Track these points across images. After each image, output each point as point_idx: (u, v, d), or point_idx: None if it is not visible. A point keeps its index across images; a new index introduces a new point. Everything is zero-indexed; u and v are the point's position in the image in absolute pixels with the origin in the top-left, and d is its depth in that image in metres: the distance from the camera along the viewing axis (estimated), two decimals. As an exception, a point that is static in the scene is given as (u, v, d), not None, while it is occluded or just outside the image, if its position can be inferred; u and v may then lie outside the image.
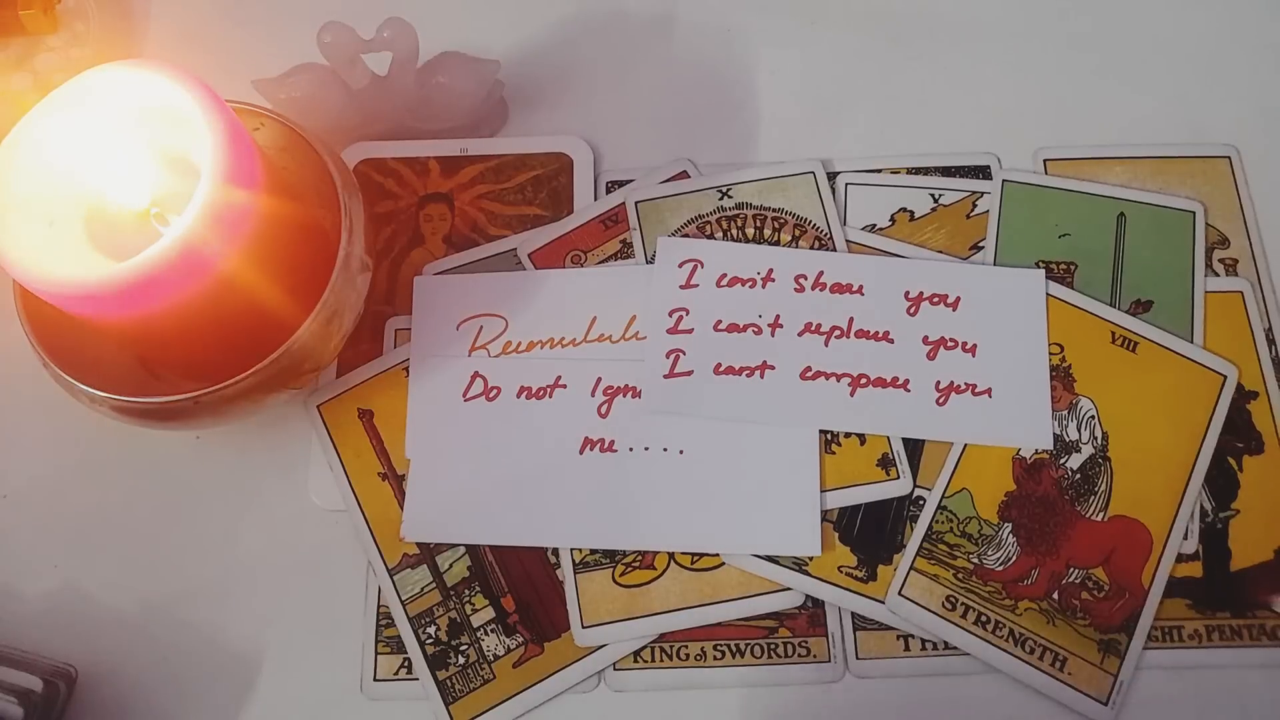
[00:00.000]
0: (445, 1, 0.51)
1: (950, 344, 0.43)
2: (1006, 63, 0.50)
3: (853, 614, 0.40)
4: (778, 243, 0.45)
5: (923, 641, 0.40)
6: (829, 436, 0.42)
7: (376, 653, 0.41)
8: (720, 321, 0.44)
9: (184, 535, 0.43)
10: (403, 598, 0.41)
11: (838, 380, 0.42)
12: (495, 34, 0.50)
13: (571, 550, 0.41)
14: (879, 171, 0.47)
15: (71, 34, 0.50)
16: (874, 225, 0.46)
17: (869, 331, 0.43)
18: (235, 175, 0.33)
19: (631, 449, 0.42)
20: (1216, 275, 0.45)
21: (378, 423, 0.43)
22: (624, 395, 0.43)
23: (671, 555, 0.41)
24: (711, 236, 0.46)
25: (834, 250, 0.45)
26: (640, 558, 0.41)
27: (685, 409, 0.42)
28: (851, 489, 0.41)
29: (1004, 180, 0.46)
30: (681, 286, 0.44)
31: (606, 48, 0.51)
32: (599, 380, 0.43)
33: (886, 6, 0.51)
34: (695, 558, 0.41)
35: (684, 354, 0.43)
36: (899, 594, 0.40)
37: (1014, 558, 0.40)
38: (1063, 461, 0.41)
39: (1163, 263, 0.44)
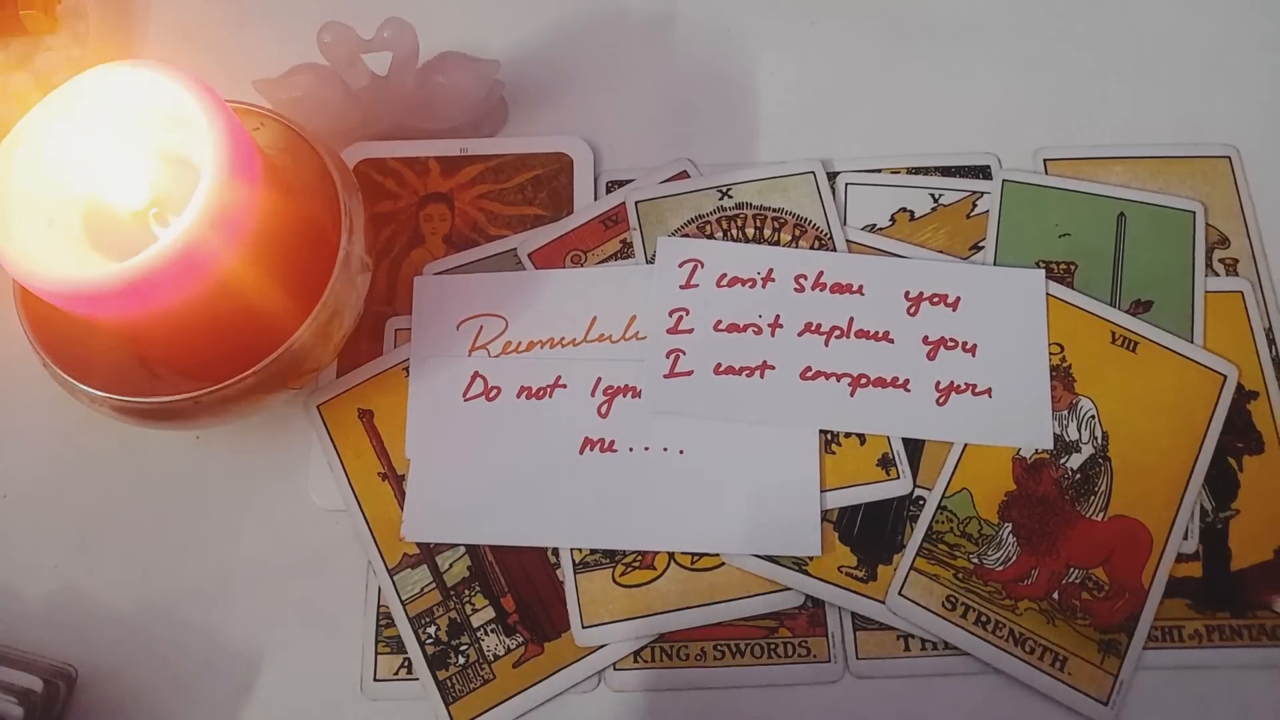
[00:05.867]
0: (445, 1, 0.51)
1: (950, 344, 0.43)
2: (1006, 63, 0.50)
3: (853, 614, 0.40)
4: (778, 243, 0.45)
5: (923, 641, 0.40)
6: (829, 436, 0.42)
7: (376, 653, 0.41)
8: (720, 321, 0.44)
9: (184, 535, 0.43)
10: (403, 598, 0.41)
11: (838, 380, 0.42)
12: (495, 34, 0.50)
13: (571, 550, 0.41)
14: (879, 171, 0.47)
15: (71, 34, 0.50)
16: (874, 225, 0.46)
17: (869, 331, 0.43)
18: (235, 175, 0.33)
19: (631, 449, 0.42)
20: (1216, 275, 0.45)
21: (378, 423, 0.43)
22: (624, 395, 0.43)
23: (671, 555, 0.41)
24: (711, 236, 0.46)
25: (834, 250, 0.45)
26: (640, 558, 0.41)
27: (685, 409, 0.42)
28: (851, 489, 0.41)
29: (1004, 180, 0.46)
30: (681, 286, 0.44)
31: (606, 48, 0.51)
32: (599, 380, 0.43)
33: (886, 6, 0.51)
34: (695, 558, 0.41)
35: (684, 354, 0.43)
36: (899, 594, 0.40)
37: (1014, 558, 0.40)
38: (1063, 461, 0.41)
39: (1163, 263, 0.44)
